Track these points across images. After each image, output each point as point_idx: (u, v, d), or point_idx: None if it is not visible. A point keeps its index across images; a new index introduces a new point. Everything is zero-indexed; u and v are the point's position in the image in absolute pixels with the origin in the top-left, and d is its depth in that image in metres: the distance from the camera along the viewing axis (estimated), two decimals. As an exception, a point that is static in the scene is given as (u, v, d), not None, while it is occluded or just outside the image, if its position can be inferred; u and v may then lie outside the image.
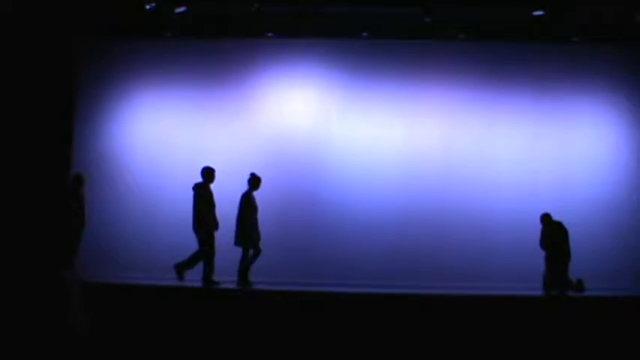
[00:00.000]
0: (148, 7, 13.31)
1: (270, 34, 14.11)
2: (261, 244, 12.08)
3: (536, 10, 13.16)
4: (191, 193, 12.05)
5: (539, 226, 12.66)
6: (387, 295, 11.30)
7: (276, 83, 14.38)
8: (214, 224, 11.98)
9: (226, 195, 12.18)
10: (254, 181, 12.26)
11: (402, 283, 12.47)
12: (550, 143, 14.20)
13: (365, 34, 13.87)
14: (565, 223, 12.51)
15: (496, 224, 13.68)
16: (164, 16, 13.74)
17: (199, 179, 12.12)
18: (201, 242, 11.99)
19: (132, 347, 9.85)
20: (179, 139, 14.26)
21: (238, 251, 12.00)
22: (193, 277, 11.96)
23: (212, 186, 12.13)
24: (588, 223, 13.56)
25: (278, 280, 12.28)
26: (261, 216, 12.20)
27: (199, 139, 14.20)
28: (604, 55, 14.29)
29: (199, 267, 11.98)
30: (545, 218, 12.65)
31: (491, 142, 14.20)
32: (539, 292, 12.10)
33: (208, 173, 12.17)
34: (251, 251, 12.08)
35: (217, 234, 12.02)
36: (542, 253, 12.52)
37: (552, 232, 12.53)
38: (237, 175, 12.44)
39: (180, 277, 12.04)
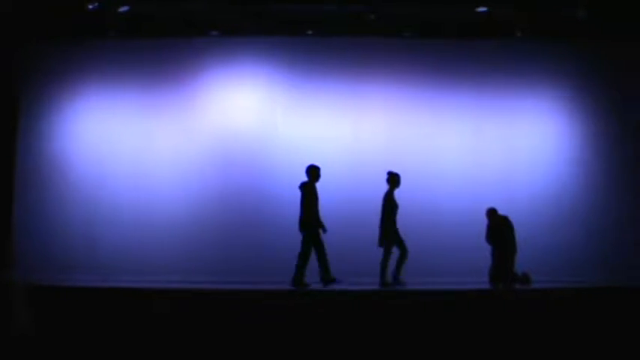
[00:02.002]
0: (90, 6, 13.21)
1: (214, 33, 14.05)
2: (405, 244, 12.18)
3: (479, 6, 13.31)
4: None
5: (484, 221, 12.77)
6: (330, 293, 11.30)
7: (220, 82, 14.36)
8: (320, 223, 11.84)
9: (166, 193, 12.05)
10: (393, 179, 12.23)
11: (348, 280, 12.46)
12: (494, 139, 14.37)
13: (310, 31, 13.88)
14: (510, 218, 12.64)
15: (442, 219, 13.77)
16: (107, 15, 13.66)
17: (145, 179, 12.01)
18: (305, 241, 11.85)
19: (75, 349, 9.76)
20: (123, 139, 14.16)
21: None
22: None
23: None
24: (531, 217, 13.73)
25: (223, 279, 12.22)
26: (206, 215, 12.12)
27: (144, 138, 14.12)
28: (546, 51, 14.50)
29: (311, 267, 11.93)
30: (491, 212, 12.75)
31: (437, 138, 14.29)
32: (486, 286, 12.18)
33: (313, 172, 11.99)
34: (397, 251, 12.17)
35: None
36: (489, 247, 12.62)
37: (498, 226, 12.63)
38: (182, 174, 12.39)
39: (331, 282, 11.83)
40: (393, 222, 12.16)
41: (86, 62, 14.36)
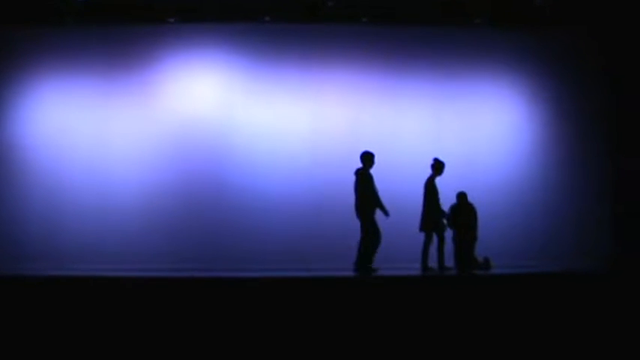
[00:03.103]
0: (47, -8, 13.08)
1: (171, 20, 13.95)
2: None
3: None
4: None
5: (445, 207, 12.80)
6: (294, 279, 11.28)
7: (179, 69, 14.28)
8: (381, 207, 11.82)
9: (125, 180, 11.94)
10: (437, 166, 12.20)
11: (310, 266, 12.47)
12: (454, 125, 14.44)
13: (267, 18, 13.81)
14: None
15: (402, 205, 13.74)
16: (65, 2, 13.51)
17: (103, 165, 11.91)
18: (364, 228, 11.79)
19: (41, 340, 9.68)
20: (81, 126, 14.05)
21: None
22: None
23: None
24: (492, 202, 13.72)
25: (185, 266, 12.16)
26: (166, 202, 12.05)
27: (102, 125, 14.04)
28: (506, 38, 14.58)
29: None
30: (461, 196, 12.73)
31: (397, 124, 14.33)
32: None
33: (368, 158, 11.93)
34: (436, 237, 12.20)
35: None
36: (449, 233, 12.67)
37: (464, 211, 12.65)
38: (141, 161, 12.27)
39: (371, 271, 11.70)
40: (437, 207, 12.20)
41: (43, 49, 14.20)
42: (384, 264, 11.90)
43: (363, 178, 11.84)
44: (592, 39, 14.50)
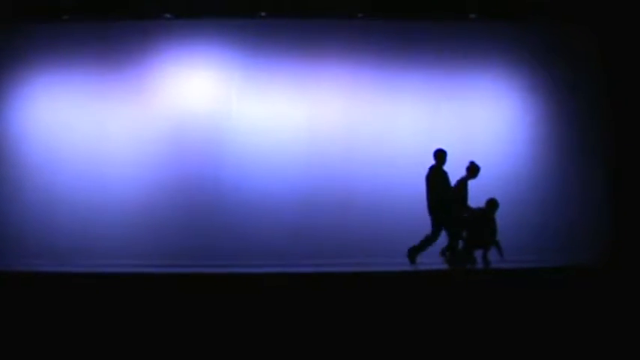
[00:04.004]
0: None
1: (167, 16, 13.91)
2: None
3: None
4: None
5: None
6: (292, 275, 11.26)
7: (174, 65, 14.20)
8: (448, 206, 12.11)
9: (120, 177, 11.90)
10: (472, 168, 12.41)
11: (306, 262, 12.46)
12: (451, 120, 14.37)
13: (263, 13, 13.77)
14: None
15: (400, 201, 13.77)
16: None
17: (97, 161, 11.90)
18: (435, 224, 12.10)
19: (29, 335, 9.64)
20: (76, 123, 13.98)
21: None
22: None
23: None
24: (487, 195, 13.65)
25: (180, 262, 12.14)
26: (160, 198, 12.04)
27: (97, 122, 13.97)
28: (502, 32, 14.54)
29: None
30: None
31: (393, 120, 14.29)
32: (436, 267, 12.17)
33: (440, 155, 12.23)
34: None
35: None
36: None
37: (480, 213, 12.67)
38: (136, 158, 12.24)
39: (412, 261, 12.12)
40: (465, 208, 12.33)
41: (38, 45, 14.14)
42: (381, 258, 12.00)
43: (436, 175, 12.14)
44: (589, 34, 14.49)
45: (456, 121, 14.37)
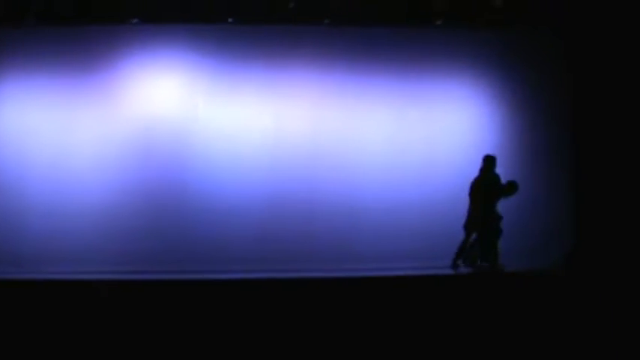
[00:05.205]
0: (6, -8, 12.97)
1: (134, 20, 13.88)
2: None
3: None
4: None
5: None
6: (258, 281, 11.33)
7: (141, 70, 14.12)
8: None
9: (86, 183, 11.86)
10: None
11: (271, 267, 12.50)
12: (417, 126, 14.41)
13: (230, 19, 13.80)
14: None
15: (364, 207, 13.85)
16: (25, 1, 13.39)
17: (64, 166, 11.86)
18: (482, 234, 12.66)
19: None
20: (42, 129, 13.82)
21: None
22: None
23: None
24: (455, 203, 13.78)
25: (146, 268, 12.16)
26: (128, 204, 12.02)
27: (63, 128, 13.82)
28: (467, 38, 14.57)
29: None
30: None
31: (359, 125, 14.31)
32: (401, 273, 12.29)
33: (490, 160, 12.80)
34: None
35: None
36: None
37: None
38: (102, 163, 12.17)
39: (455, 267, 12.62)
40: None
41: (3, 50, 13.95)
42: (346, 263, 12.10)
43: (486, 179, 12.61)
44: (554, 39, 14.59)
45: (422, 127, 14.41)
